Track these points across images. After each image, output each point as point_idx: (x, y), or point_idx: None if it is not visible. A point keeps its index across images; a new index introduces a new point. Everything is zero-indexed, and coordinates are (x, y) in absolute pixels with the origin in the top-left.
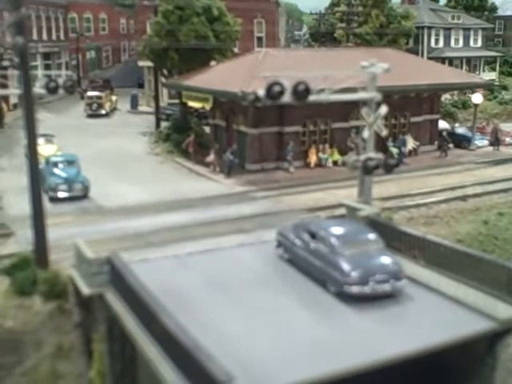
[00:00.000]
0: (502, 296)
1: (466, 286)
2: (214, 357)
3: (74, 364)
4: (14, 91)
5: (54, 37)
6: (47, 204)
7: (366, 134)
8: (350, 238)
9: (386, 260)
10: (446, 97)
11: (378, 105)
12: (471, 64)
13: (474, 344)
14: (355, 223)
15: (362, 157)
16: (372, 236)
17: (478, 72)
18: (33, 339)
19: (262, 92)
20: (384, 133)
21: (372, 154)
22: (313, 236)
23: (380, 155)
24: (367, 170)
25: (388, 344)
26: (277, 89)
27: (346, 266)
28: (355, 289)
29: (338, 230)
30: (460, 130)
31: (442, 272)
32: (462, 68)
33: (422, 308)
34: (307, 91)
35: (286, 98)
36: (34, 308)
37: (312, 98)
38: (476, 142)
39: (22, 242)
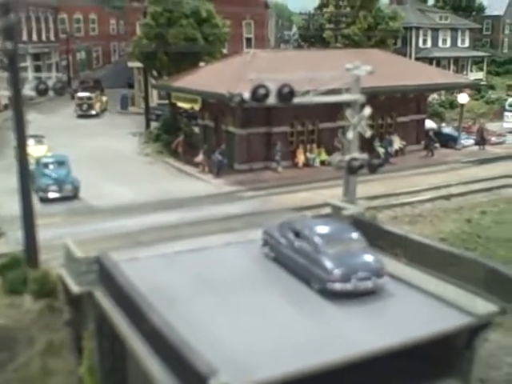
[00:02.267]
0: (481, 292)
1: (445, 283)
2: (199, 351)
3: (64, 361)
4: (3, 93)
5: (44, 38)
6: (38, 204)
7: (350, 135)
8: (333, 236)
9: (368, 258)
10: (433, 96)
11: (362, 106)
12: (459, 64)
13: (453, 338)
14: (339, 222)
15: (347, 157)
16: (355, 235)
17: (465, 72)
18: (24, 336)
19: (247, 94)
20: (368, 134)
21: (356, 155)
22: (297, 235)
23: (364, 155)
24: (352, 169)
25: (369, 338)
26: (262, 91)
27: (328, 264)
28: (338, 286)
29: (321, 229)
30: (446, 129)
31: (422, 269)
32: (449, 68)
33: (402, 304)
34: (291, 93)
35: (271, 100)
36: (25, 306)
37: (296, 100)
38: (462, 141)
39: (12, 243)
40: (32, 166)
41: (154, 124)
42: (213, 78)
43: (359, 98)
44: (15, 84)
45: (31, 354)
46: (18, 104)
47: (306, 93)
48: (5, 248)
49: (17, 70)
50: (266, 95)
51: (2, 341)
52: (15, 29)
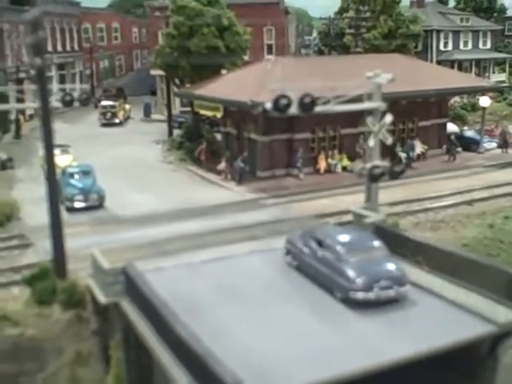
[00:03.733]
0: (501, 300)
1: (467, 291)
2: (223, 362)
3: (92, 370)
4: (31, 105)
5: (68, 47)
6: (64, 214)
7: (371, 142)
8: (355, 245)
9: (390, 266)
10: (455, 99)
11: (384, 113)
12: (481, 66)
13: (475, 347)
14: (361, 231)
15: (369, 165)
16: (377, 243)
17: (487, 74)
18: (53, 346)
19: (269, 105)
20: (389, 141)
21: (378, 162)
22: (320, 244)
23: (386, 163)
24: (373, 177)
25: (391, 347)
26: (284, 101)
27: (351, 273)
28: (360, 295)
29: (343, 238)
30: (468, 133)
31: (444, 277)
32: (471, 70)
33: (424, 312)
34: (313, 103)
35: (293, 110)
36: (54, 316)
37: (318, 109)
38: (484, 144)
39: (40, 252)
40: (58, 176)
41: (176, 131)
42: (234, 85)
43: (380, 105)
44: (43, 96)
45: (60, 364)
46: (46, 116)
47: (328, 101)
48: (34, 258)
49: (45, 84)
50: (288, 105)
51: (31, 351)
52: (43, 45)
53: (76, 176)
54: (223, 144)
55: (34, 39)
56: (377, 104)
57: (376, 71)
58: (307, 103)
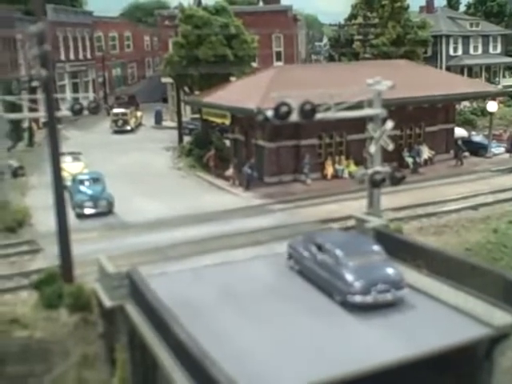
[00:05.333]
0: (499, 303)
1: (465, 294)
2: (220, 364)
3: (98, 372)
4: (41, 115)
5: (80, 56)
6: (74, 220)
7: (372, 148)
8: (353, 249)
9: (388, 270)
10: (464, 104)
11: (384, 120)
12: (491, 70)
13: (472, 349)
14: (360, 235)
15: (370, 170)
16: (375, 247)
17: (497, 78)
18: (60, 349)
19: (270, 113)
20: (390, 147)
21: (379, 168)
22: (319, 248)
23: (387, 168)
24: (374, 183)
25: (388, 349)
26: (284, 109)
27: (349, 277)
28: (358, 298)
29: (342, 243)
30: (477, 137)
31: (443, 280)
32: (481, 75)
33: (422, 315)
34: (313, 110)
35: (294, 117)
36: (61, 320)
37: (319, 116)
38: (492, 149)
39: (49, 258)
40: (69, 183)
41: (186, 138)
42: (241, 93)
43: (380, 112)
44: (50, 107)
45: (67, 366)
46: (52, 125)
47: (329, 108)
48: (43, 263)
49: (51, 95)
50: (289, 112)
51: (39, 353)
52: (49, 57)
53: (86, 183)
54: (231, 150)
55: (40, 51)
56: (377, 111)
57: (376, 78)
58: (307, 110)
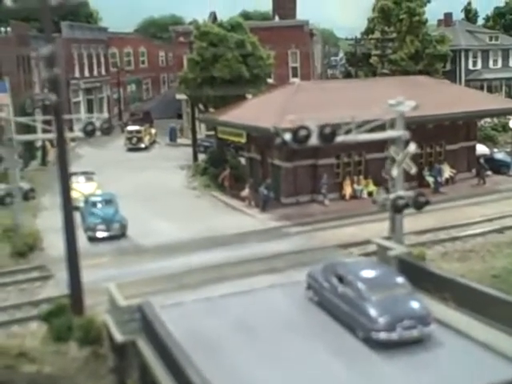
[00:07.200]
0: None
1: (496, 330)
2: None
3: None
4: (52, 136)
5: (95, 72)
6: (86, 244)
7: (394, 172)
8: (377, 282)
9: (413, 305)
10: (485, 120)
11: (407, 142)
12: (511, 85)
13: None
14: (383, 266)
15: (392, 195)
16: (400, 279)
17: None
18: None
19: (288, 136)
20: (413, 171)
21: (402, 193)
22: (340, 280)
23: (410, 193)
24: (397, 208)
25: None
26: (303, 133)
27: (373, 312)
28: (383, 335)
29: (364, 274)
30: (499, 155)
31: (472, 315)
32: (501, 89)
33: (451, 354)
34: (333, 133)
35: (313, 141)
36: (71, 354)
37: (339, 139)
38: None
39: (60, 285)
40: (81, 204)
41: (201, 156)
42: (257, 111)
43: (403, 134)
44: (60, 130)
45: None
46: (61, 148)
47: (349, 131)
48: (53, 291)
49: (61, 119)
50: (308, 136)
51: None
52: (59, 81)
53: (98, 205)
54: (247, 170)
55: (50, 74)
56: (399, 133)
57: (398, 98)
58: (327, 134)
